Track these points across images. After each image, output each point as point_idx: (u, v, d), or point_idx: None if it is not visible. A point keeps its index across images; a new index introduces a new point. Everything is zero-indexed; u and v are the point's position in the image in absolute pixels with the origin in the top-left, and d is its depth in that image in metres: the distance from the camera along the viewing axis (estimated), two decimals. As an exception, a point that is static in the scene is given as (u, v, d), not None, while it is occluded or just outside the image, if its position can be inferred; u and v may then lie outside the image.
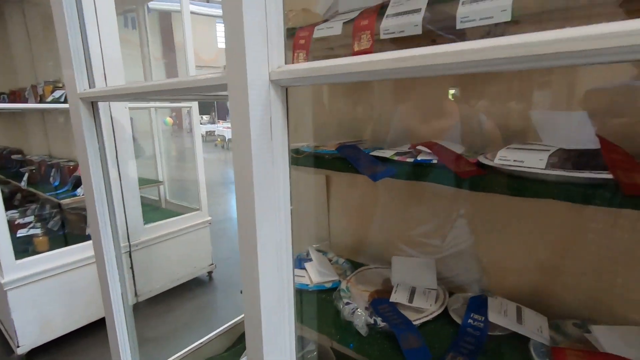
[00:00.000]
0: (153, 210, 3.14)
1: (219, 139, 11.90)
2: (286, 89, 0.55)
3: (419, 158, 0.77)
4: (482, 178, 0.65)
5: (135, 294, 2.46)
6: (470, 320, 0.82)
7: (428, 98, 1.07)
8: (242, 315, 1.57)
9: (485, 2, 0.58)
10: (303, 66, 0.50)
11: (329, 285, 1.03)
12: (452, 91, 1.06)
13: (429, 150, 0.78)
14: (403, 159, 0.79)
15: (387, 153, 0.83)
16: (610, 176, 0.55)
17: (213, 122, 13.68)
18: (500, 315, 0.81)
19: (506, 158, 0.64)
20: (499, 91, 0.93)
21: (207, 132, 12.95)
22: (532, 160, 0.61)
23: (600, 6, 0.74)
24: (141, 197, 2.52)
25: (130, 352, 1.10)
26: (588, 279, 0.84)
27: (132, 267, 2.43)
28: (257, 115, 0.51)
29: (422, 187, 1.12)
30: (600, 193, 0.54)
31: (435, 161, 0.75)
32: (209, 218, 2.86)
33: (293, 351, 0.63)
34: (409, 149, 0.86)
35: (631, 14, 0.73)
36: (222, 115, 14.52)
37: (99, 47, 1.99)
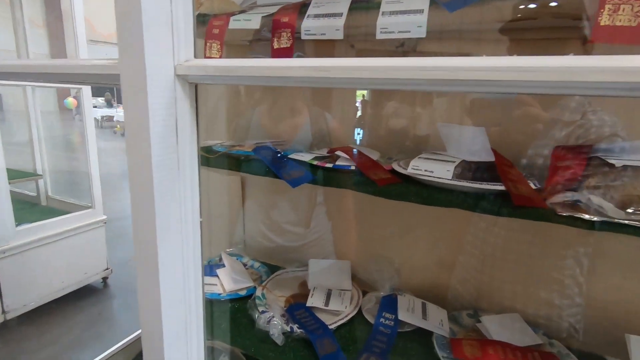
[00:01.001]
0: (29, 209, 2.64)
1: (118, 126, 10.54)
2: (196, 86, 0.48)
3: (337, 163, 0.77)
4: (398, 186, 0.68)
5: (3, 311, 2.03)
6: (382, 320, 0.86)
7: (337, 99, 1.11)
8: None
9: (403, 15, 0.59)
10: (217, 63, 0.44)
11: (243, 292, 0.97)
12: (363, 92, 1.11)
13: (346, 156, 0.78)
14: (322, 164, 0.77)
15: (306, 157, 0.81)
16: (503, 188, 0.61)
17: (111, 106, 12.02)
18: (409, 312, 0.87)
19: (418, 167, 0.67)
20: (401, 96, 1.00)
21: (103, 117, 11.36)
22: (440, 171, 0.65)
23: (487, 31, 0.83)
24: (12, 192, 2.08)
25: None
26: (477, 274, 0.95)
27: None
28: (159, 115, 0.44)
29: (338, 191, 1.14)
30: (497, 203, 0.60)
31: (353, 167, 0.75)
32: (104, 217, 2.51)
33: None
34: (327, 153, 0.86)
35: (512, 40, 0.84)
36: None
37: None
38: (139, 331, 1.41)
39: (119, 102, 12.49)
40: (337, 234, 1.19)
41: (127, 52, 0.42)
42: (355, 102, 1.13)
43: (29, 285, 2.14)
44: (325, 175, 0.76)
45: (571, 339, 0.86)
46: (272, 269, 1.12)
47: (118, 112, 10.64)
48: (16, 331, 2.10)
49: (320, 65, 0.36)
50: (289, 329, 0.82)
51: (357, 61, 0.35)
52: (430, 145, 0.95)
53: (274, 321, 0.82)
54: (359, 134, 1.10)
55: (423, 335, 0.83)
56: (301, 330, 0.81)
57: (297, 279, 1.06)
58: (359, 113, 1.13)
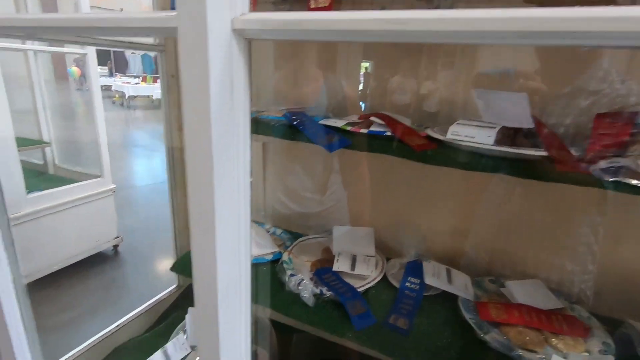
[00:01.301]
0: (37, 177, 2.64)
1: (117, 95, 10.33)
2: (249, 43, 0.47)
3: (372, 129, 0.76)
4: (436, 152, 0.68)
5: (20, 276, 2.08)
6: (407, 284, 0.89)
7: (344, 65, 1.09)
8: (162, 294, 1.45)
9: (455, -29, 0.57)
10: (278, 16, 0.42)
11: (269, 257, 0.99)
12: (365, 64, 1.09)
13: (381, 122, 0.77)
14: (356, 129, 0.77)
15: (339, 123, 0.80)
16: (545, 153, 0.61)
17: (110, 75, 11.71)
18: (434, 277, 0.89)
19: (458, 133, 0.67)
20: (410, 66, 0.98)
21: (102, 86, 11.13)
22: (481, 136, 0.64)
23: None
24: (20, 161, 2.08)
25: (29, 347, 0.92)
26: (496, 242, 0.97)
27: (12, 245, 2.02)
28: (217, 72, 0.43)
29: (356, 158, 1.14)
30: (539, 168, 0.60)
31: (388, 133, 0.74)
32: (113, 186, 2.52)
33: (248, 336, 0.59)
34: (358, 119, 0.85)
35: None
36: (121, 67, 12.50)
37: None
38: (157, 297, 1.45)
39: (117, 70, 12.17)
40: (355, 200, 1.20)
41: (186, 3, 0.40)
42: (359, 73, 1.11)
43: (43, 252, 2.18)
44: (360, 141, 0.76)
45: (590, 302, 0.88)
46: (293, 235, 1.14)
47: (116, 82, 10.37)
48: (33, 296, 2.15)
49: (397, 17, 0.35)
50: (318, 292, 0.84)
51: (437, 13, 0.34)
52: (442, 114, 0.94)
53: (304, 283, 0.84)
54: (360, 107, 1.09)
55: (447, 299, 0.86)
56: (331, 292, 0.84)
57: (319, 245, 1.08)
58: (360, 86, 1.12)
